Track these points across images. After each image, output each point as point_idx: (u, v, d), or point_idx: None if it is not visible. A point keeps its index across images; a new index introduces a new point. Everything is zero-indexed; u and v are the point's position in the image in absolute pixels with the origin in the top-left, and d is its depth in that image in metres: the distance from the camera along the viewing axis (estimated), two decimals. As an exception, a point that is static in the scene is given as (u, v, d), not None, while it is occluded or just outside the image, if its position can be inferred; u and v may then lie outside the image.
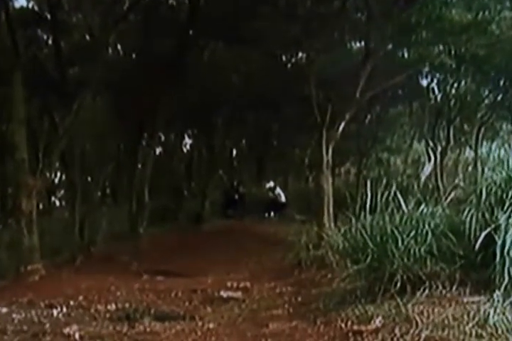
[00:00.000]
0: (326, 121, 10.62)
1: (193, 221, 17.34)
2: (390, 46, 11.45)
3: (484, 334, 4.49)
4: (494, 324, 4.57)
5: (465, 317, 4.78)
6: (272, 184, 18.80)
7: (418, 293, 5.43)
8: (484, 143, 16.42)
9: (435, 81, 16.36)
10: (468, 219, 5.70)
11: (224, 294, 8.19)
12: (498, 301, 4.90)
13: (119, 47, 15.65)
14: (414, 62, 12.11)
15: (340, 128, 10.68)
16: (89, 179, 15.91)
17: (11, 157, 11.32)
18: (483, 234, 5.36)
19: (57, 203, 22.31)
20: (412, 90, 16.06)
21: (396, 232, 5.88)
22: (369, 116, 18.85)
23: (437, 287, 5.47)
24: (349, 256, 6.36)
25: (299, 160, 23.30)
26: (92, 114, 15.18)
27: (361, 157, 19.74)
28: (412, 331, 4.74)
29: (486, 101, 17.10)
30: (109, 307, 7.58)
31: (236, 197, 19.18)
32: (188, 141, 23.68)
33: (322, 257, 8.76)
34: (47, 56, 13.69)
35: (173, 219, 17.49)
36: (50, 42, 13.70)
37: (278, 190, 18.49)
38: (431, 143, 17.72)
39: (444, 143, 17.45)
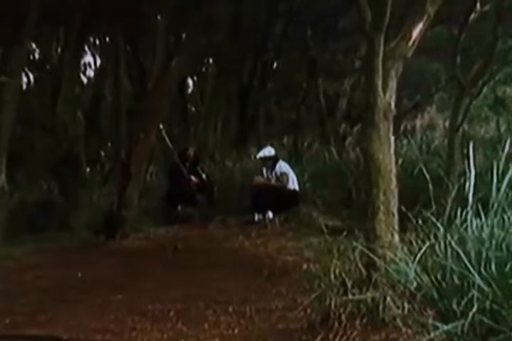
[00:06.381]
0: (385, 19, 10.52)
1: (101, 230, 17.43)
2: None
3: None
4: None
5: None
6: (269, 152, 18.81)
7: None
8: None
9: None
10: None
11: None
12: None
13: None
14: None
15: (415, 33, 10.61)
16: None
17: None
18: None
19: None
20: None
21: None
22: (478, 6, 18.85)
23: None
24: (434, 303, 6.38)
25: (324, 102, 23.35)
26: None
27: (460, 95, 19.75)
28: None
29: None
30: None
31: (194, 179, 19.24)
32: (91, 58, 23.69)
33: (375, 306, 8.82)
34: None
35: (58, 227, 17.53)
36: None
37: (282, 165, 18.52)
38: None
39: None
